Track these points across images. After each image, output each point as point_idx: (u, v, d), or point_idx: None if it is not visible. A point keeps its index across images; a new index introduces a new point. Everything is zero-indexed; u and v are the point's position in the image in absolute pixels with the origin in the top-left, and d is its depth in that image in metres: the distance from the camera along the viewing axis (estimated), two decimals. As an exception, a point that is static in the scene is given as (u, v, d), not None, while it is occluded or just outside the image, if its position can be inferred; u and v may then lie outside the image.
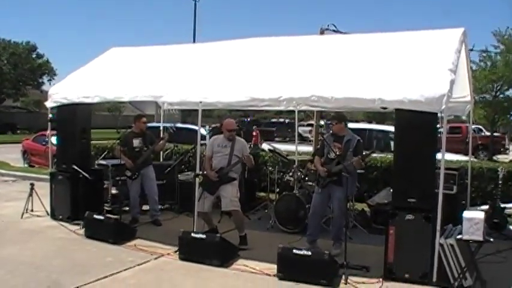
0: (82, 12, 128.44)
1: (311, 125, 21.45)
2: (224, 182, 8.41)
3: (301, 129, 33.29)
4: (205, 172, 8.51)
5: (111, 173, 10.69)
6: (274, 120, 47.44)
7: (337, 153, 8.02)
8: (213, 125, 9.70)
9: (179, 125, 15.72)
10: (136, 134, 10.04)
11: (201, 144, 8.75)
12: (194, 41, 29.38)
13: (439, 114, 6.68)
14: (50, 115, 10.37)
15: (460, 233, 6.25)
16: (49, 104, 10.05)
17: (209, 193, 8.43)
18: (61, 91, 9.92)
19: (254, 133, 12.05)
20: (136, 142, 9.94)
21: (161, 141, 10.23)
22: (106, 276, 6.93)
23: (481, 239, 6.03)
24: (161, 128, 12.09)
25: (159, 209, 10.40)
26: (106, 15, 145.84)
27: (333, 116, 8.45)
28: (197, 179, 8.14)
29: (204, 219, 8.62)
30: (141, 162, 9.83)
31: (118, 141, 10.23)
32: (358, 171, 9.08)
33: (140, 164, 9.84)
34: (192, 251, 7.69)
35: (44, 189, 10.70)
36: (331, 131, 8.67)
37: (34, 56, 55.69)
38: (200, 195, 8.32)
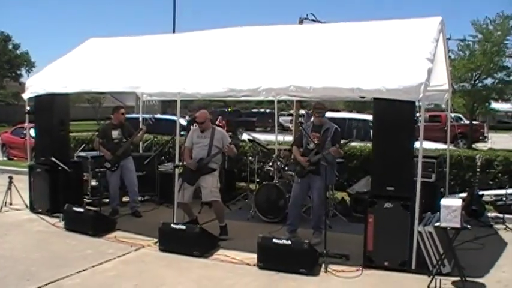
0: (58, 2, 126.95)
1: (291, 114, 21.47)
2: (204, 173, 8.40)
3: (282, 119, 33.38)
4: (185, 163, 8.51)
5: (90, 165, 10.63)
6: (255, 110, 47.47)
7: (316, 142, 8.04)
8: (191, 114, 9.68)
9: (158, 115, 15.68)
10: (115, 125, 9.99)
11: (181, 135, 8.72)
12: (174, 32, 29.14)
13: (417, 103, 6.73)
14: (28, 107, 10.26)
15: (438, 221, 6.30)
16: (26, 95, 9.94)
17: (189, 184, 8.41)
18: (39, 82, 9.82)
19: (220, 123, 11.88)
20: (115, 134, 9.90)
21: (140, 133, 10.16)
22: (86, 269, 6.91)
23: (458, 226, 6.09)
24: (140, 119, 12.04)
25: (139, 201, 10.38)
26: (84, 4, 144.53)
27: (315, 107, 8.41)
28: (177, 170, 8.15)
29: (184, 209, 8.61)
30: (120, 153, 9.78)
31: (97, 133, 10.18)
32: (338, 160, 9.14)
33: (119, 156, 9.80)
34: (172, 242, 7.68)
35: (22, 182, 10.65)
36: (311, 120, 8.65)
37: (10, 47, 55.06)
38: (180, 186, 8.32)
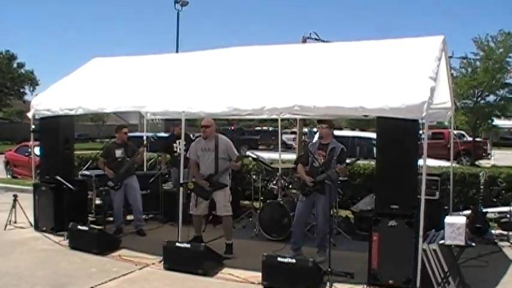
0: (62, 21, 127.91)
1: (295, 132, 21.49)
2: (216, 189, 8.45)
3: (285, 137, 33.38)
4: (193, 179, 8.54)
5: (95, 184, 10.66)
6: (258, 128, 47.49)
7: (322, 161, 8.07)
8: (197, 134, 9.59)
9: (162, 134, 15.71)
10: (119, 144, 10.05)
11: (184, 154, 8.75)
12: (177, 51, 29.28)
13: (420, 121, 6.76)
14: (33, 126, 10.30)
15: (443, 238, 6.29)
16: (32, 115, 10.01)
17: (203, 199, 8.49)
18: (44, 102, 9.88)
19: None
20: (118, 153, 9.94)
21: (140, 150, 10.18)
22: (91, 287, 6.91)
23: (463, 243, 6.08)
24: (144, 138, 12.08)
25: (144, 219, 10.39)
26: (87, 24, 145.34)
27: (321, 121, 8.44)
28: (181, 188, 8.19)
29: (197, 222, 8.70)
30: (122, 172, 9.82)
31: (101, 152, 10.23)
32: (342, 178, 9.15)
33: (122, 174, 9.83)
34: (176, 261, 7.68)
35: (27, 201, 10.64)
36: (317, 136, 8.64)
37: (15, 65, 55.35)
38: (195, 200, 8.43)
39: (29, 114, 10.10)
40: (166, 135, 15.51)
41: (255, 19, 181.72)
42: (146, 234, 9.93)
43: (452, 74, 14.26)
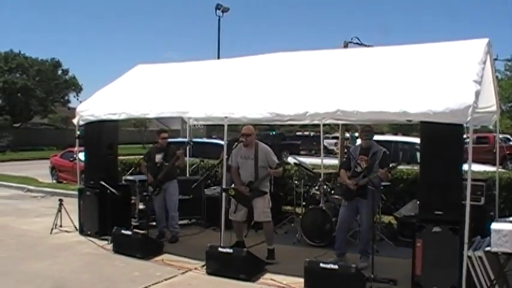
0: (106, 28, 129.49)
1: (336, 137, 21.42)
2: (256, 196, 8.47)
3: (326, 142, 33.21)
4: (233, 186, 8.58)
5: (138, 188, 10.77)
6: (299, 133, 47.38)
7: (364, 165, 8.02)
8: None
9: (204, 139, 15.82)
10: (159, 149, 10.12)
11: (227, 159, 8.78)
12: (219, 57, 29.44)
13: (464, 125, 6.65)
14: (78, 132, 10.47)
15: (489, 245, 6.18)
16: (77, 121, 10.19)
17: (243, 205, 8.53)
18: (89, 108, 10.06)
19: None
20: (158, 157, 10.00)
21: (178, 153, 9.95)
22: (134, 291, 6.99)
23: (510, 251, 5.96)
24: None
25: (186, 224, 10.41)
26: (130, 30, 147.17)
27: (363, 130, 8.41)
28: (223, 194, 8.23)
29: (237, 228, 8.74)
30: (161, 177, 9.85)
31: (144, 156, 10.34)
32: (385, 183, 9.06)
33: (160, 180, 9.87)
34: (219, 266, 7.72)
35: (72, 205, 10.83)
36: (359, 143, 8.57)
37: (60, 72, 56.48)
38: (236, 206, 8.49)
39: (74, 121, 10.29)
40: (211, 141, 15.63)
41: (296, 24, 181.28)
42: (178, 240, 9.89)
43: (497, 77, 14.00)
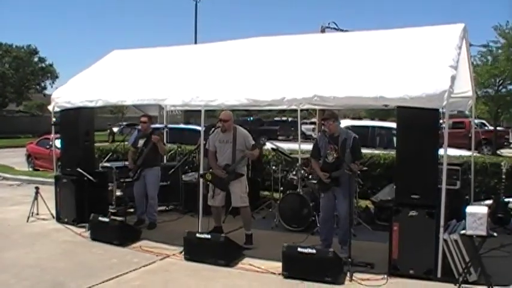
0: (81, 13, 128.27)
1: (314, 123, 21.47)
2: (233, 179, 8.46)
3: (304, 128, 33.29)
4: (210, 170, 8.57)
5: (115, 175, 10.71)
6: (277, 119, 47.50)
7: (334, 155, 7.86)
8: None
9: (182, 125, 15.75)
10: (142, 134, 10.06)
11: (204, 145, 8.75)
12: (196, 42, 29.35)
13: (440, 110, 6.70)
14: (54, 119, 10.34)
15: (464, 228, 6.24)
16: (52, 108, 10.09)
17: (221, 189, 8.53)
18: (64, 95, 9.96)
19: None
20: (140, 142, 9.97)
21: (152, 140, 9.79)
22: (111, 278, 6.97)
23: (484, 233, 6.03)
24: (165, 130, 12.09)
25: (164, 210, 10.38)
26: (105, 16, 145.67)
27: (327, 115, 8.20)
28: (201, 179, 8.22)
29: (215, 213, 8.76)
30: (140, 163, 9.80)
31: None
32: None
33: (139, 165, 9.82)
34: (197, 252, 7.73)
35: (49, 193, 10.77)
36: (324, 131, 8.21)
37: (36, 59, 55.79)
38: (213, 191, 8.49)
39: (50, 107, 10.18)
40: (189, 127, 15.54)
41: (272, 9, 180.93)
42: (156, 226, 9.86)
43: (472, 63, 14.11)
